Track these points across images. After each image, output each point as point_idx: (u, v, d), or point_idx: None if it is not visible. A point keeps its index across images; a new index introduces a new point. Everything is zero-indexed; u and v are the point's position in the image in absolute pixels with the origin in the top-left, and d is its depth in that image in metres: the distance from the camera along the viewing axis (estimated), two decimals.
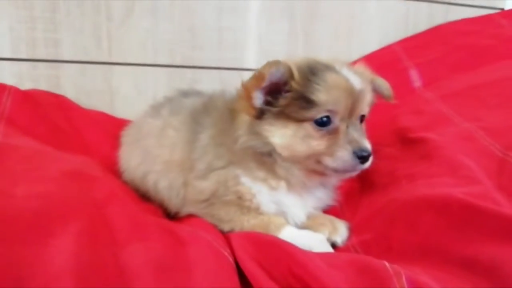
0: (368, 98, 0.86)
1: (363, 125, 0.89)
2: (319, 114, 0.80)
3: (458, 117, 1.08)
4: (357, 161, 0.80)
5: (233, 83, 1.44)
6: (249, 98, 0.81)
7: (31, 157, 0.84)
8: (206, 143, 0.89)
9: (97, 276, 0.57)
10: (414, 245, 0.70)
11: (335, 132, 0.81)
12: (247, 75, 1.44)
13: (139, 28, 1.36)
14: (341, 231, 0.85)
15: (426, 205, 0.72)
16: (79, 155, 1.01)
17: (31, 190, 0.71)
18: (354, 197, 0.98)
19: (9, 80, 1.26)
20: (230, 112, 0.88)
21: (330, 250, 0.80)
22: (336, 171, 0.82)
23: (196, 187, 0.87)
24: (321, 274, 0.58)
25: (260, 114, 0.82)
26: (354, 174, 0.86)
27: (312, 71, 0.81)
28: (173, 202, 0.93)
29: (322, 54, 1.51)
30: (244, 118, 0.84)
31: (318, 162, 0.82)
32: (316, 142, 0.81)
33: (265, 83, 0.79)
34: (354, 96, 0.82)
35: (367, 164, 0.82)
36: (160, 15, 1.38)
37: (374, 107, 1.03)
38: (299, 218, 0.88)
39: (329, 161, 0.81)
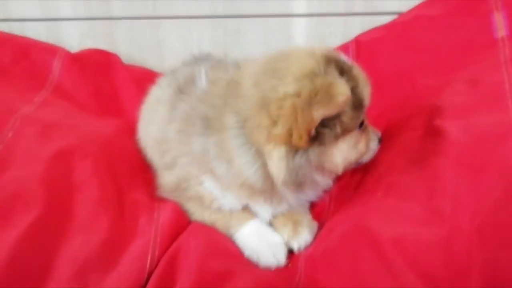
0: None
1: None
2: (362, 115, 0.75)
3: None
4: (378, 146, 0.83)
5: (280, 31, 1.35)
6: (311, 126, 0.67)
7: (43, 133, 0.96)
8: (172, 137, 0.86)
9: (22, 271, 0.67)
10: None
11: (364, 127, 0.79)
12: (296, 22, 1.33)
13: None
14: (301, 237, 0.78)
15: (357, 245, 0.61)
16: (102, 120, 1.12)
17: (16, 174, 0.83)
18: (348, 191, 0.87)
19: (73, 40, 1.40)
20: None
21: (281, 258, 0.76)
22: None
23: (163, 177, 0.88)
24: None
25: (312, 140, 0.69)
26: None
27: (347, 73, 0.72)
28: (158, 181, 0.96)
29: None
30: (279, 152, 0.69)
31: (356, 162, 0.80)
32: (361, 145, 0.78)
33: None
34: None
35: None
36: None
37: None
38: (263, 218, 0.83)
39: (366, 157, 0.82)
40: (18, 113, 1.01)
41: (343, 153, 0.74)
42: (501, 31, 1.04)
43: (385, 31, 1.20)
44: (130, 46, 1.41)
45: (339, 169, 0.76)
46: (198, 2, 1.34)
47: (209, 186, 0.81)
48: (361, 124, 0.77)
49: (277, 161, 0.70)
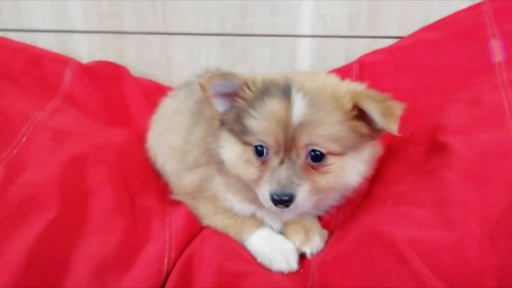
0: (319, 133, 0.71)
1: (326, 163, 0.74)
2: (255, 142, 0.75)
3: None
4: (271, 203, 0.71)
5: (286, 51, 1.40)
6: (210, 103, 0.78)
7: (56, 139, 0.98)
8: (199, 136, 0.90)
9: (41, 269, 0.68)
10: None
11: (266, 165, 0.74)
12: (301, 43, 1.38)
13: None
14: (313, 242, 0.81)
15: (371, 249, 0.63)
16: (112, 129, 1.15)
17: (32, 176, 0.84)
18: (355, 201, 0.90)
19: (84, 52, 1.43)
20: None
21: (293, 263, 0.78)
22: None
23: (182, 180, 0.91)
24: None
25: (223, 121, 0.80)
26: (285, 214, 0.80)
27: (261, 94, 0.74)
28: (173, 187, 0.99)
29: (390, 17, 1.32)
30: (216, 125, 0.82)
31: (247, 182, 0.78)
32: (252, 170, 0.76)
33: (210, 93, 0.76)
34: (289, 129, 0.71)
35: (290, 209, 0.72)
36: None
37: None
38: (273, 227, 0.86)
39: (258, 193, 0.75)
40: (31, 119, 1.03)
41: (233, 156, 0.78)
42: (498, 56, 1.11)
43: (387, 54, 1.26)
44: (139, 60, 1.45)
45: (228, 168, 0.78)
46: (208, 20, 1.39)
47: (218, 183, 0.84)
48: (260, 154, 0.75)
49: (215, 125, 0.82)
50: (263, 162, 0.75)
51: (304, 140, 0.71)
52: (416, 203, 0.71)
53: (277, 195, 0.70)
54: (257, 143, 0.74)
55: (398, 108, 0.72)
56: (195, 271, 0.71)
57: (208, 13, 1.38)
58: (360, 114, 0.73)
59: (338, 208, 0.90)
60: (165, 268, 0.72)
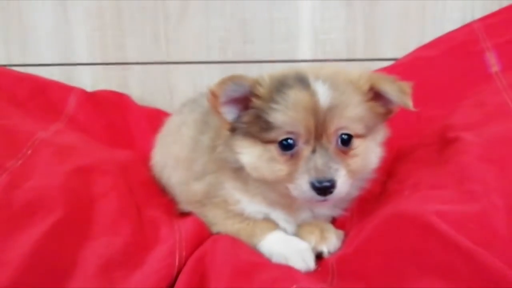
0: (348, 115, 0.72)
1: (353, 146, 0.75)
2: (280, 136, 0.73)
3: None
4: (313, 193, 0.69)
5: None
6: (217, 113, 0.77)
7: (61, 153, 0.97)
8: (206, 145, 0.88)
9: (46, 265, 0.64)
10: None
11: (297, 156, 0.73)
12: (301, 67, 1.42)
13: (193, 27, 1.42)
14: (329, 241, 0.78)
15: (396, 228, 0.61)
16: (117, 149, 1.14)
17: (37, 183, 0.82)
18: (370, 203, 0.88)
19: (87, 83, 1.45)
20: None
21: (310, 262, 0.74)
22: (300, 199, 0.73)
23: (190, 188, 0.88)
24: None
25: (234, 128, 0.78)
26: (326, 203, 0.76)
27: (278, 88, 0.74)
28: (181, 198, 0.96)
29: (386, 40, 1.38)
30: (225, 132, 0.80)
31: (286, 188, 0.74)
32: (279, 167, 0.74)
33: (222, 100, 0.75)
34: (318, 116, 0.71)
35: (332, 195, 0.70)
36: (211, 11, 1.41)
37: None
38: (287, 229, 0.83)
39: (291, 189, 0.72)
40: (35, 136, 1.02)
41: (253, 158, 0.75)
42: (494, 67, 1.15)
43: (387, 72, 1.29)
44: (142, 90, 1.47)
45: (249, 172, 0.76)
46: (209, 48, 1.43)
47: (228, 188, 0.82)
48: (288, 147, 0.73)
49: (222, 133, 0.80)
50: (292, 156, 0.73)
51: (336, 124, 0.72)
52: (435, 187, 0.70)
53: (318, 182, 0.69)
54: (283, 137, 0.73)
55: (408, 86, 0.77)
56: (209, 265, 0.67)
57: (209, 41, 1.43)
58: (374, 96, 0.75)
59: (352, 210, 0.87)
60: (176, 263, 0.68)
